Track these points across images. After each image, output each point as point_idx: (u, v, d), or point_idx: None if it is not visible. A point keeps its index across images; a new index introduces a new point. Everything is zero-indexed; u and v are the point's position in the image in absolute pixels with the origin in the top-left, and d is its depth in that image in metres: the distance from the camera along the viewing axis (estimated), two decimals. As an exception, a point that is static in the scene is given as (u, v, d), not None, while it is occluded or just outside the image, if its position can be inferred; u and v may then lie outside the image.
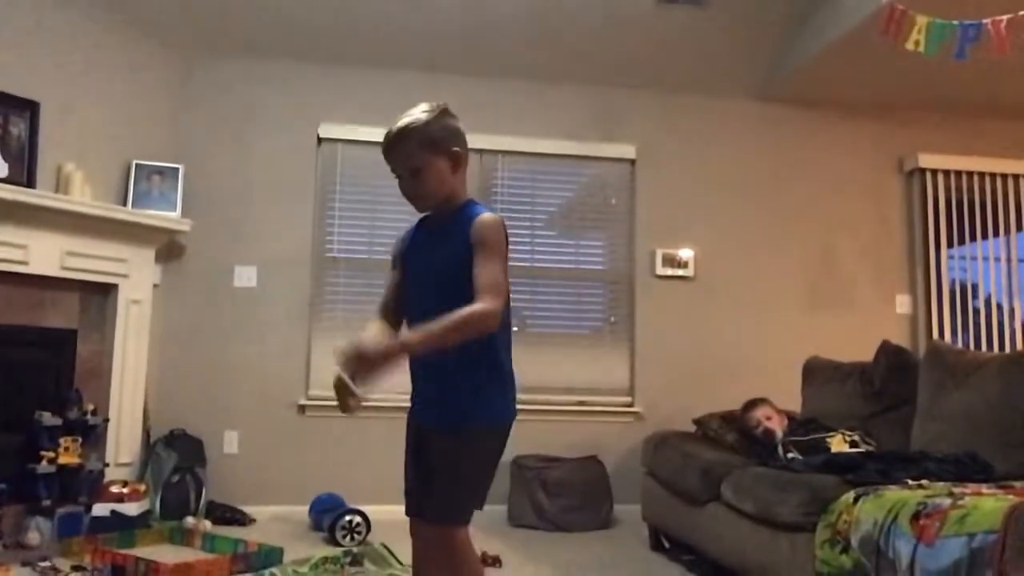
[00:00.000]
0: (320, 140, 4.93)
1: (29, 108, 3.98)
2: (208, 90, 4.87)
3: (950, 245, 5.35)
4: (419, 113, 1.90)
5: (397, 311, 1.95)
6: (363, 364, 1.68)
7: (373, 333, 1.87)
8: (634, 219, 5.17)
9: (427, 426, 1.92)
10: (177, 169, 4.59)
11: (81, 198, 4.06)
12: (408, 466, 1.96)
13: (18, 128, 3.95)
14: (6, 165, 3.87)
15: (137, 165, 4.49)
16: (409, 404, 2.02)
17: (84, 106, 4.27)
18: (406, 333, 1.86)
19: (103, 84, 4.39)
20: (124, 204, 4.40)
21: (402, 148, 1.86)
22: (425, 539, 1.92)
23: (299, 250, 4.85)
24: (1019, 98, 5.12)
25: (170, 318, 4.68)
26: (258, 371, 4.72)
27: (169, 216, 4.49)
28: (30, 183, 3.91)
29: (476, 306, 1.73)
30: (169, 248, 4.65)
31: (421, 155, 1.84)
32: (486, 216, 1.85)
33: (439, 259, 1.86)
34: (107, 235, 4.17)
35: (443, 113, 1.91)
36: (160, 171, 4.56)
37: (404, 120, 1.89)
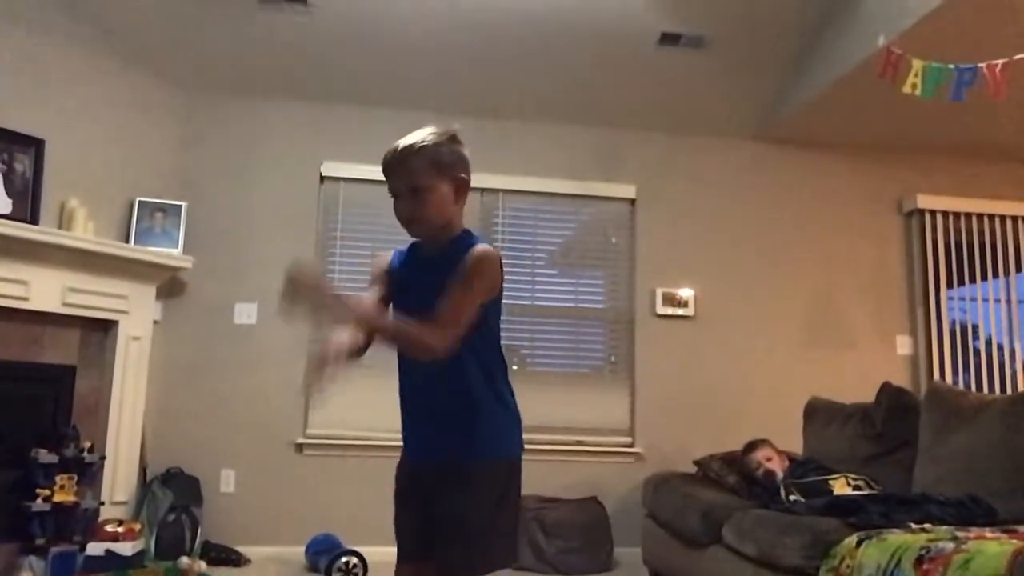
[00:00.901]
0: (323, 178, 4.97)
1: (34, 145, 4.02)
2: (211, 128, 4.92)
3: (950, 286, 5.36)
4: (427, 134, 1.81)
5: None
6: (309, 292, 1.74)
7: (348, 342, 1.79)
8: (634, 258, 5.18)
9: (430, 466, 1.76)
10: (180, 206, 4.61)
11: (84, 234, 4.08)
12: (403, 516, 1.81)
13: (23, 165, 3.98)
14: (10, 201, 3.89)
15: (140, 202, 4.52)
16: (401, 445, 1.89)
17: (88, 143, 4.31)
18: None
19: (108, 122, 4.43)
20: (126, 241, 4.42)
21: (407, 165, 1.76)
22: None
23: (300, 287, 4.84)
24: (1017, 140, 5.16)
25: (169, 355, 4.67)
26: (256, 409, 4.70)
27: (171, 253, 4.50)
28: (33, 219, 3.93)
29: (427, 333, 1.66)
30: (170, 285, 4.66)
31: (426, 175, 1.75)
32: (481, 248, 1.76)
33: (431, 291, 1.71)
34: (109, 271, 4.18)
35: (453, 138, 1.83)
36: (163, 208, 4.58)
37: (411, 138, 1.80)
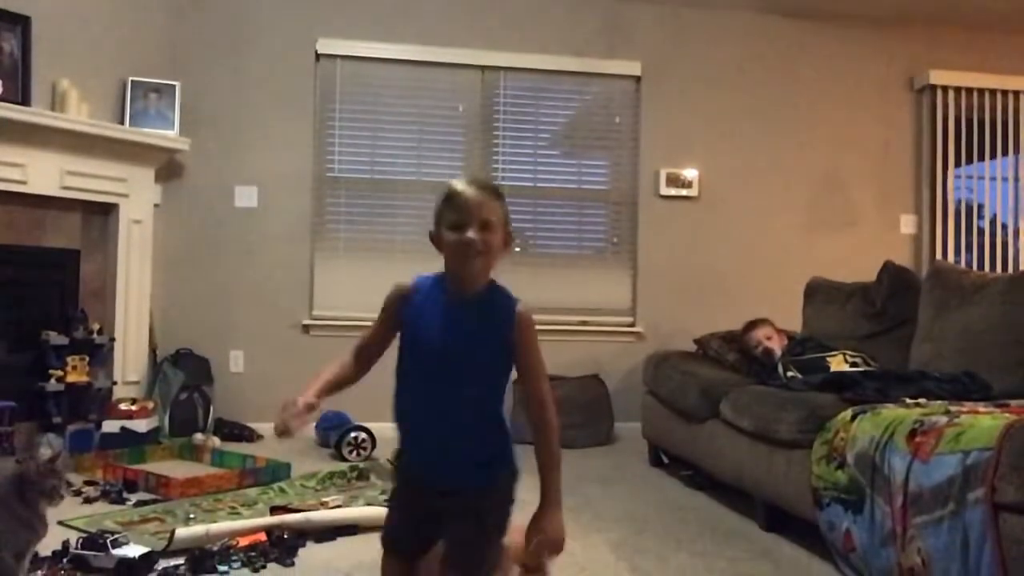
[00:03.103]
0: (319, 56, 4.83)
1: (20, 23, 3.89)
2: (202, 1, 4.74)
3: (958, 164, 5.29)
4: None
5: (371, 360, 1.82)
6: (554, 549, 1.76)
7: (335, 373, 1.79)
8: (638, 138, 5.10)
9: (449, 489, 1.75)
10: (174, 86, 4.51)
11: (78, 116, 4.00)
12: (403, 518, 1.82)
13: (10, 44, 3.86)
14: (0, 82, 3.80)
15: (133, 82, 4.41)
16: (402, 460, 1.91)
17: (75, 20, 4.17)
18: (550, 488, 1.80)
19: (95, -2, 4.27)
20: (121, 122, 4.34)
21: (486, 200, 1.72)
22: None
23: (300, 170, 4.81)
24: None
25: (172, 238, 4.67)
26: (261, 291, 4.74)
27: (167, 135, 4.43)
28: (25, 101, 3.85)
29: (553, 423, 1.83)
30: (169, 168, 4.61)
31: (499, 214, 1.73)
32: (526, 311, 1.78)
33: (477, 342, 1.75)
34: (106, 154, 4.12)
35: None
36: (156, 88, 4.48)
37: (486, 180, 1.87)
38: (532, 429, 1.81)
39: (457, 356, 1.74)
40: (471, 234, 1.69)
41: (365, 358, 1.82)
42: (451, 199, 1.73)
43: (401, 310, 1.79)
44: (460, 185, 1.74)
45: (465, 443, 1.75)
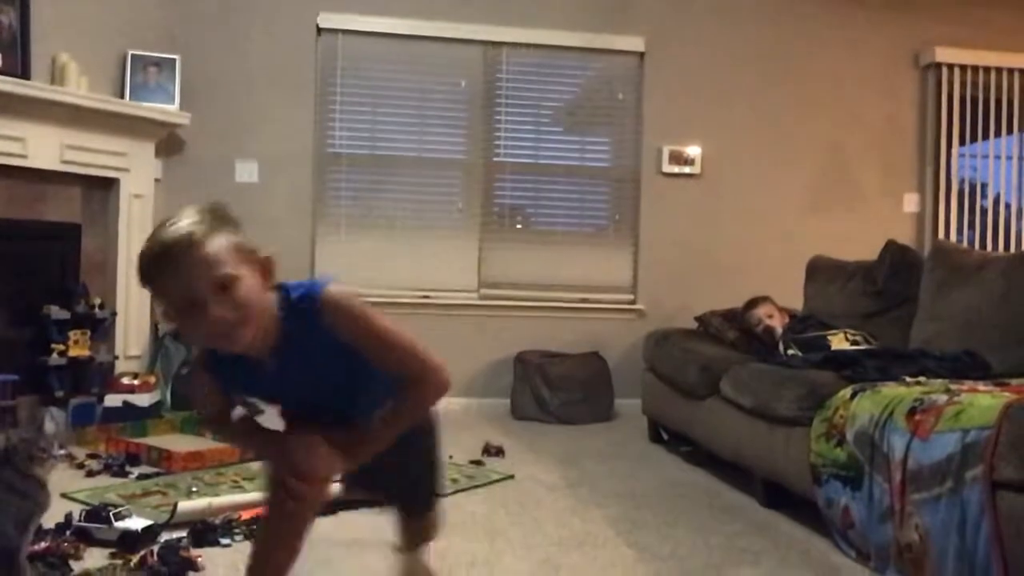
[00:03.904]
0: (320, 30, 4.79)
1: (19, -5, 3.86)
2: (202, -24, 4.71)
3: (962, 143, 5.26)
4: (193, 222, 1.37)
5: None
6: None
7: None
8: (641, 115, 5.07)
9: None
10: (174, 60, 4.48)
11: (78, 89, 3.98)
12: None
13: (8, 17, 3.83)
14: (-1, 55, 3.78)
15: (133, 56, 4.38)
16: None
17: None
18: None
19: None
20: (121, 96, 4.32)
21: (194, 251, 1.33)
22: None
23: (301, 145, 4.79)
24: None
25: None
26: (263, 267, 4.73)
27: (168, 109, 4.41)
28: (24, 74, 3.82)
29: (419, 393, 1.54)
30: (169, 142, 4.59)
31: (225, 252, 1.34)
32: (333, 296, 1.44)
33: (316, 375, 1.50)
34: (106, 128, 4.10)
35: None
36: (156, 62, 4.45)
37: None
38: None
39: (317, 393, 1.52)
40: (213, 313, 1.31)
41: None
42: (150, 279, 1.34)
43: (217, 380, 1.52)
44: (150, 253, 1.33)
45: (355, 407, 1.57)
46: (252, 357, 1.43)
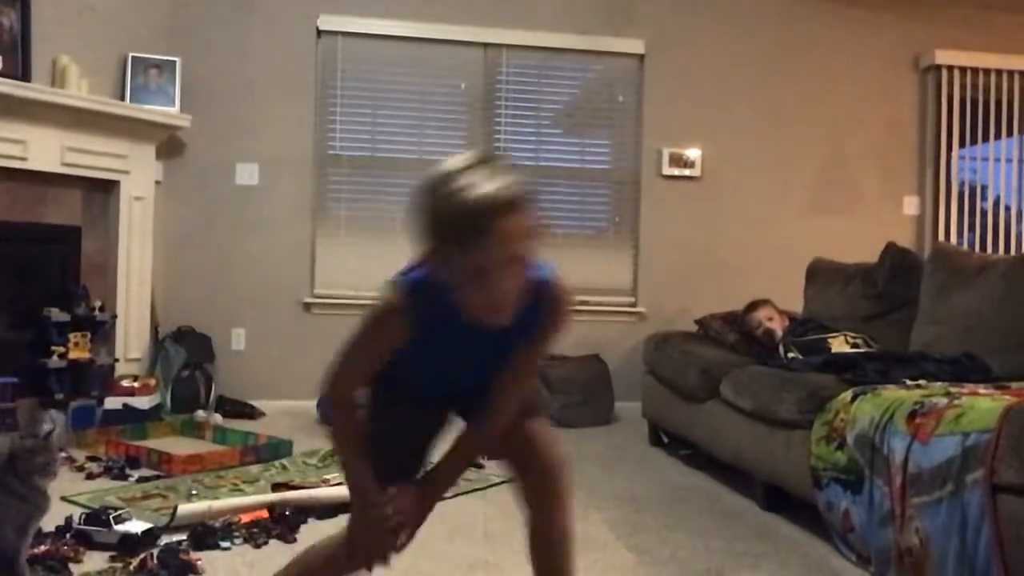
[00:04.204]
0: (320, 33, 4.80)
1: (19, -3, 3.86)
2: (203, -21, 4.71)
3: (962, 145, 5.27)
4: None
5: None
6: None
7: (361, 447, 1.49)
8: (641, 117, 5.07)
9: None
10: (174, 62, 4.48)
11: (78, 92, 3.98)
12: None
13: (9, 19, 3.84)
14: (0, 58, 3.78)
15: (133, 58, 4.39)
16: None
17: (76, -5, 4.14)
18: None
19: (94, -28, 4.23)
20: (121, 99, 4.32)
21: (522, 219, 1.29)
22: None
23: (301, 147, 4.79)
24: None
25: (173, 215, 4.66)
26: (263, 269, 4.74)
27: (168, 111, 4.41)
28: (25, 77, 3.82)
29: (523, 376, 1.55)
30: (169, 144, 4.59)
31: (530, 230, 1.31)
32: (564, 296, 1.50)
33: (510, 346, 1.48)
34: (106, 130, 4.11)
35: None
36: (157, 64, 4.45)
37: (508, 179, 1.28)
38: (507, 381, 1.49)
39: (488, 367, 1.47)
40: (505, 284, 1.27)
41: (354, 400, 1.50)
42: (477, 223, 1.23)
43: (404, 339, 1.39)
44: (487, 199, 1.23)
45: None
46: (465, 329, 1.35)
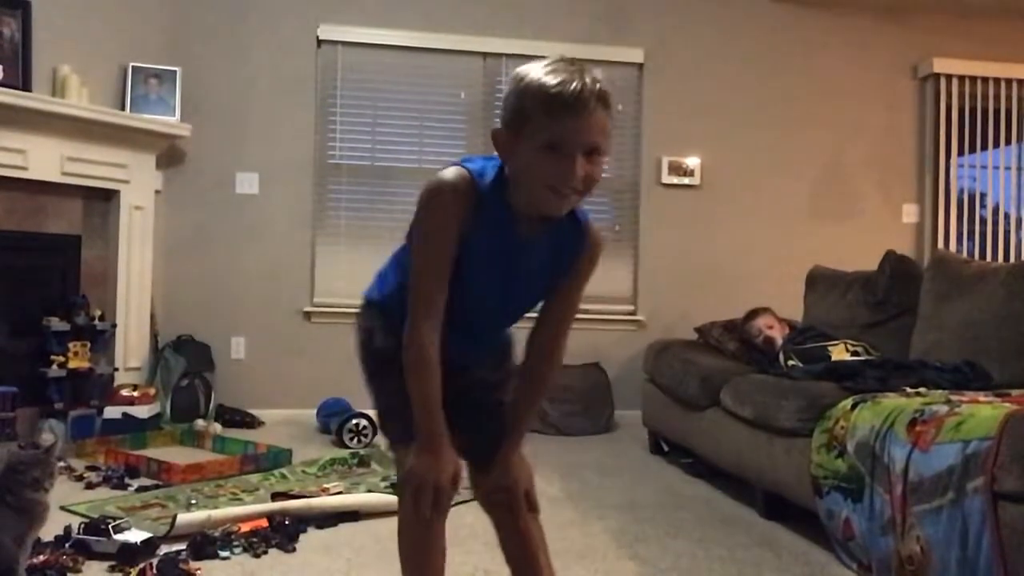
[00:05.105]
0: (320, 42, 4.81)
1: (21, 7, 3.87)
2: (203, -11, 4.73)
3: (960, 153, 5.27)
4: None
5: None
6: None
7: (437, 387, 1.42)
8: (640, 126, 5.08)
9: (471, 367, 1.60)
10: (174, 72, 4.49)
11: (79, 102, 3.99)
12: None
13: (10, 29, 3.85)
14: (0, 67, 3.78)
15: (134, 68, 4.40)
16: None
17: (77, 5, 4.14)
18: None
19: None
20: (122, 108, 4.33)
21: (605, 112, 1.34)
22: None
23: (301, 157, 4.80)
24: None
25: (173, 225, 4.67)
26: (263, 278, 4.74)
27: (168, 121, 4.42)
28: (25, 87, 3.83)
29: (559, 357, 1.61)
30: (170, 154, 4.60)
31: (609, 131, 1.36)
32: (600, 239, 1.52)
33: (539, 278, 1.50)
34: (106, 140, 4.12)
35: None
36: (157, 74, 4.46)
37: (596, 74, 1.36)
38: (537, 360, 1.54)
39: (513, 298, 1.49)
40: (578, 169, 1.30)
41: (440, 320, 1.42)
42: (560, 102, 1.27)
43: (464, 224, 1.36)
44: (573, 81, 1.29)
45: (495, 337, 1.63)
46: (513, 227, 1.39)
